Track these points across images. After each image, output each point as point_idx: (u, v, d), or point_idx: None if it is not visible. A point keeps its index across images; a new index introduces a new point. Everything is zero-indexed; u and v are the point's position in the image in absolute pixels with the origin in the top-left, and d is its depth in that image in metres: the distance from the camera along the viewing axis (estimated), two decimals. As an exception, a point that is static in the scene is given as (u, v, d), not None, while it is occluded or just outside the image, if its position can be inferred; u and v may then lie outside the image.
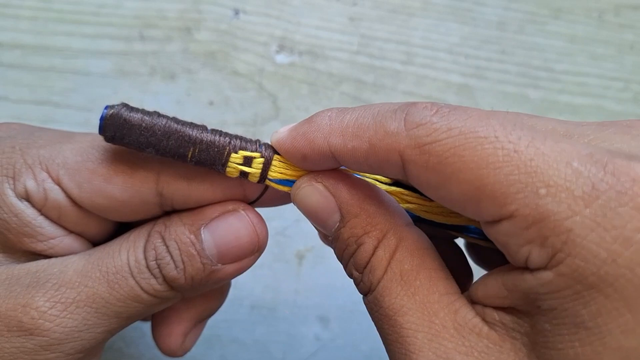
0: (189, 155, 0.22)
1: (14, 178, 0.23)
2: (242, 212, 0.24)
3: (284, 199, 0.25)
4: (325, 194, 0.21)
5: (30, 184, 0.23)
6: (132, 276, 0.23)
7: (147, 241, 0.23)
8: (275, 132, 0.22)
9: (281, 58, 0.40)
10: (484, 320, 0.19)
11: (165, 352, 0.28)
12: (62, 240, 0.24)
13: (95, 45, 0.39)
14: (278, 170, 0.22)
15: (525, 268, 0.17)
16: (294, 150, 0.21)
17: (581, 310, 0.16)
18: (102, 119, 0.21)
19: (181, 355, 0.28)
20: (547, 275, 0.17)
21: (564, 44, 0.43)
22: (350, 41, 0.41)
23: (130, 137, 0.21)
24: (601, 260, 0.16)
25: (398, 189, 0.23)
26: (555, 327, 0.17)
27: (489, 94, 0.41)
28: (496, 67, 0.42)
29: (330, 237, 0.22)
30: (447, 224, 0.23)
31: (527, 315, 0.18)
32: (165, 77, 0.39)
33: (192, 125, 0.22)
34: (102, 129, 0.22)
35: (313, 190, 0.21)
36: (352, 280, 0.22)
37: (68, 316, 0.22)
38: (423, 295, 0.19)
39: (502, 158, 0.17)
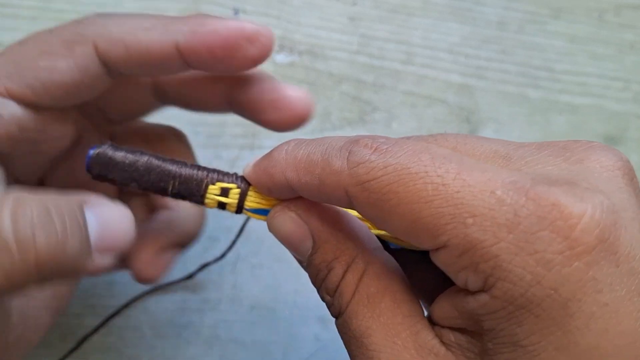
0: (170, 188, 0.23)
1: None
2: (124, 206, 0.22)
3: None
4: (298, 222, 0.22)
5: None
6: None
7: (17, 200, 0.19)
8: (245, 166, 0.24)
9: (281, 58, 0.40)
10: (442, 341, 0.20)
11: (138, 279, 0.28)
12: None
13: (95, 45, 0.39)
14: (254, 200, 0.24)
15: (468, 290, 0.18)
16: (259, 184, 0.23)
17: (516, 329, 0.17)
18: (89, 158, 0.23)
19: (153, 282, 0.28)
20: (484, 297, 0.18)
21: (564, 44, 0.43)
22: (350, 41, 0.41)
23: (114, 174, 0.23)
24: (527, 283, 0.17)
25: None
26: (497, 346, 0.18)
27: (489, 93, 0.41)
28: (496, 66, 0.42)
29: (304, 263, 0.23)
30: (415, 250, 0.23)
31: (477, 335, 0.19)
32: (164, 77, 0.39)
33: (172, 161, 0.24)
34: (89, 167, 0.23)
35: (286, 219, 0.22)
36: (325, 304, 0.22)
37: None
38: (387, 317, 0.20)
39: (431, 192, 0.18)
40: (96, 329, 0.35)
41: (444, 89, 0.41)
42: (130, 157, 0.23)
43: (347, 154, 0.20)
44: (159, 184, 0.23)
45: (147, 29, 0.24)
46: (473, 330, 0.19)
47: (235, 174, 0.24)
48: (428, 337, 0.20)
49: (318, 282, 0.22)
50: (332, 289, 0.21)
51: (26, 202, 0.19)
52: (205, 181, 0.23)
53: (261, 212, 0.24)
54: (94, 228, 0.21)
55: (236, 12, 0.41)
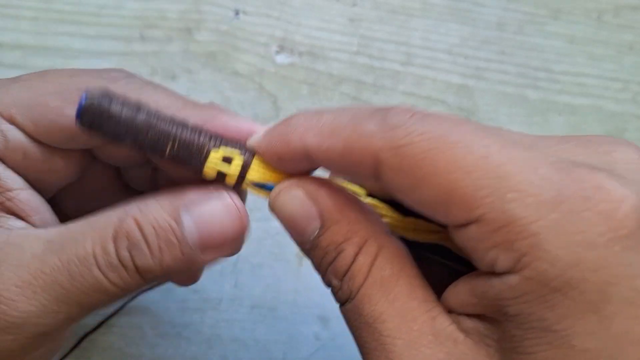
0: (167, 150, 0.21)
1: None
2: (227, 194, 0.22)
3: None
4: (306, 200, 0.21)
5: None
6: (98, 267, 0.21)
7: (118, 227, 0.21)
8: (254, 134, 0.22)
9: (281, 59, 0.40)
10: (459, 328, 0.19)
11: (178, 284, 0.28)
12: (19, 193, 0.23)
13: (96, 45, 0.39)
14: (257, 173, 0.22)
15: (493, 273, 0.18)
16: (270, 150, 0.21)
17: (547, 314, 0.17)
18: (80, 106, 0.21)
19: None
20: (513, 279, 0.17)
21: (563, 45, 0.43)
22: (350, 42, 0.41)
23: (107, 127, 0.21)
24: (566, 264, 0.16)
25: (373, 202, 0.23)
26: (524, 332, 0.17)
27: (489, 94, 0.42)
28: (496, 67, 0.42)
29: (307, 245, 0.21)
30: (418, 241, 0.23)
31: (497, 322, 0.18)
32: (165, 77, 0.39)
33: (172, 120, 0.22)
34: (79, 117, 0.21)
35: (293, 196, 0.21)
36: (329, 288, 0.22)
37: (25, 301, 0.21)
38: (402, 301, 0.19)
39: (472, 162, 0.17)
40: (96, 328, 0.35)
41: (444, 89, 0.41)
42: (127, 110, 0.21)
43: (381, 117, 0.19)
44: (157, 144, 0.21)
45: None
46: (492, 317, 0.18)
47: (240, 143, 0.22)
48: (445, 323, 0.19)
49: (324, 265, 0.21)
50: (342, 272, 0.20)
51: (125, 226, 0.21)
52: (207, 147, 0.22)
53: (263, 187, 0.22)
54: (193, 234, 0.21)
55: (236, 13, 0.41)
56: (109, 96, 0.21)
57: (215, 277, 0.36)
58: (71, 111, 0.22)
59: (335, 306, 0.39)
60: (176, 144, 0.21)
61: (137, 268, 0.21)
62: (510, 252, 0.17)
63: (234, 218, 0.22)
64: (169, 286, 0.36)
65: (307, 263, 0.37)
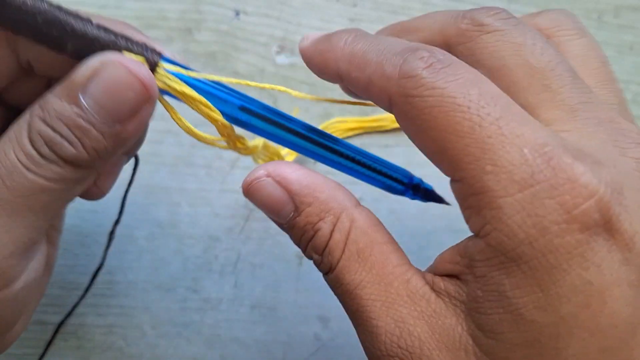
0: (69, 47, 0.21)
1: None
2: (113, 60, 0.21)
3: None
4: (277, 187, 0.23)
5: None
6: (29, 170, 0.21)
7: (29, 130, 0.21)
8: (305, 37, 0.25)
9: (282, 59, 0.40)
10: (432, 288, 0.21)
11: (86, 199, 0.28)
12: None
13: (96, 45, 0.39)
14: (163, 78, 0.22)
15: (473, 236, 0.20)
16: (311, 64, 0.24)
17: (504, 280, 0.18)
18: None
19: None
20: (480, 243, 0.19)
21: (564, 45, 0.43)
22: (350, 42, 0.41)
23: (8, 15, 0.20)
24: (520, 240, 0.18)
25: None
26: (485, 294, 0.19)
27: (489, 94, 0.42)
28: (496, 67, 0.42)
29: (284, 225, 0.23)
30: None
31: (466, 284, 0.20)
32: (165, 77, 0.39)
33: (77, 16, 0.21)
34: None
35: (264, 185, 0.23)
36: (311, 260, 0.23)
37: None
38: (378, 268, 0.22)
39: (466, 129, 0.19)
40: (65, 319, 0.35)
41: (444, 89, 0.41)
42: (29, 1, 0.20)
43: (402, 61, 0.20)
44: (58, 38, 0.21)
45: None
46: (463, 279, 0.20)
47: (145, 44, 0.22)
48: (419, 284, 0.21)
49: (303, 242, 0.23)
50: (321, 248, 0.22)
51: (34, 127, 0.21)
52: (110, 47, 0.21)
53: (168, 94, 0.22)
54: (98, 110, 0.21)
55: (237, 13, 0.41)
56: None
57: (215, 277, 0.36)
58: None
59: (335, 306, 0.39)
60: (79, 42, 0.21)
61: (64, 159, 0.22)
62: (478, 217, 0.19)
63: (128, 80, 0.21)
64: (169, 286, 0.36)
65: (307, 263, 0.37)
